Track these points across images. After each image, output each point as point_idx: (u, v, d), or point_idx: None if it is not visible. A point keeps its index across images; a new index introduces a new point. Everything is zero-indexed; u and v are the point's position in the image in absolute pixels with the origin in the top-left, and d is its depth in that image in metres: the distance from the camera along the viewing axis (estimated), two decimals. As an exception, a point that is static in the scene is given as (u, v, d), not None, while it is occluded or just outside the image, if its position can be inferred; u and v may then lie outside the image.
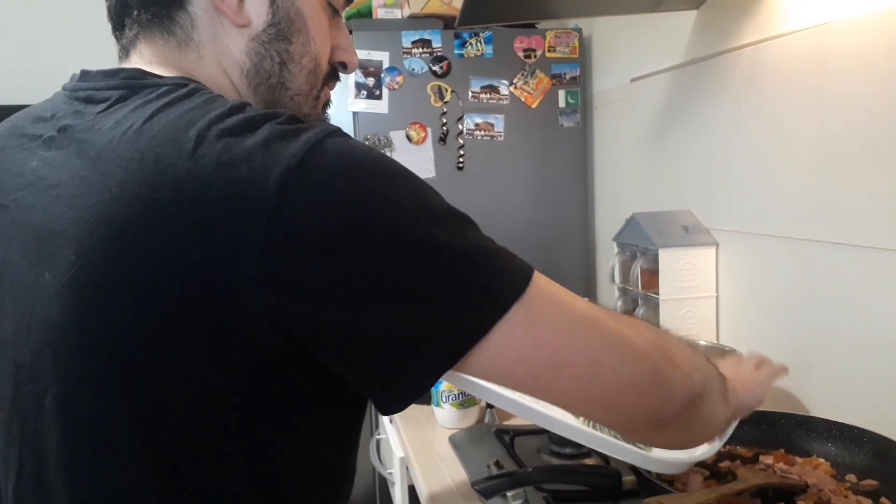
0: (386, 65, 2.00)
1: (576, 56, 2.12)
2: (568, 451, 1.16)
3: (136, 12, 0.71)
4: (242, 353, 0.57)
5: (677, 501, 0.88)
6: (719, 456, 1.05)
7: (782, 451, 1.07)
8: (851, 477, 0.99)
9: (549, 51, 2.10)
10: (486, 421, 1.36)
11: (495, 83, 2.07)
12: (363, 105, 2.01)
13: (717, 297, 1.53)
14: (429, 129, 2.04)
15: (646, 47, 1.83)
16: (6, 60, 2.78)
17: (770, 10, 1.32)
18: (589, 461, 1.13)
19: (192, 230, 0.54)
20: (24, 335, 0.61)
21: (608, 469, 1.05)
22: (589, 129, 2.20)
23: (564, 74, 2.12)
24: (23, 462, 0.63)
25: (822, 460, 1.04)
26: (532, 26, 2.12)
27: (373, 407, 0.63)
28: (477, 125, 2.07)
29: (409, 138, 2.04)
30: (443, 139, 2.05)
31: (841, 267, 1.18)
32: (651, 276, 1.54)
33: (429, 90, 2.04)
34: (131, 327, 0.56)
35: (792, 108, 1.27)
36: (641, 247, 1.56)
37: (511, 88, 2.08)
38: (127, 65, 0.71)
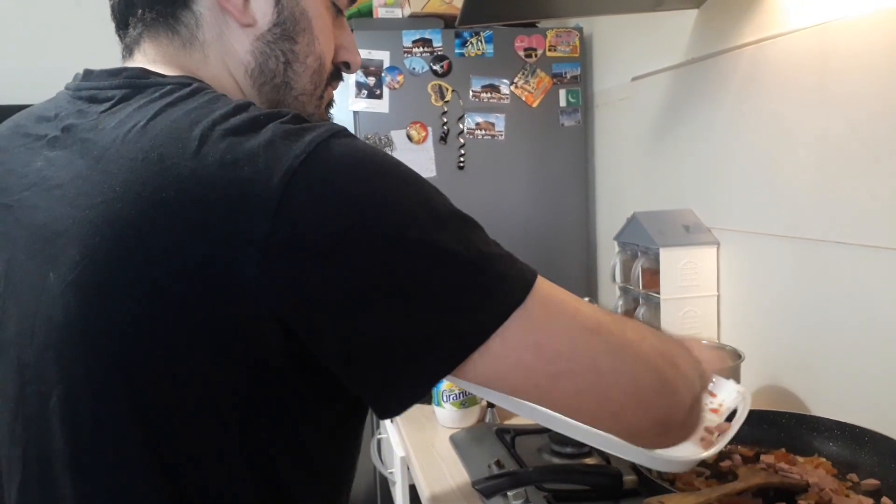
0: (386, 64, 2.00)
1: (577, 55, 2.12)
2: (569, 450, 1.16)
3: (140, 11, 0.70)
4: (243, 353, 0.57)
5: (678, 501, 0.88)
6: (720, 455, 1.05)
7: (783, 450, 1.07)
8: (853, 476, 0.99)
9: (549, 50, 2.10)
10: (486, 420, 1.36)
11: (496, 82, 2.07)
12: (364, 104, 2.01)
13: (719, 297, 1.53)
14: (429, 129, 2.04)
15: (647, 46, 1.83)
16: (6, 60, 2.78)
17: (771, 10, 1.32)
18: (590, 461, 1.13)
19: (194, 230, 0.54)
20: (28, 335, 0.61)
21: (609, 469, 1.05)
22: (590, 129, 2.20)
23: (565, 73, 2.12)
24: (27, 462, 0.63)
25: (824, 459, 1.04)
26: (533, 25, 2.11)
27: (373, 407, 0.62)
28: (478, 124, 2.07)
29: (409, 138, 2.04)
30: (443, 138, 2.05)
31: (842, 266, 1.18)
32: (652, 276, 1.54)
33: (429, 89, 2.04)
34: (133, 327, 0.56)
35: (793, 107, 1.27)
36: (642, 246, 1.56)
37: (512, 88, 2.08)
38: (131, 64, 0.71)
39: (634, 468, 0.98)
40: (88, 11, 2.05)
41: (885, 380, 1.11)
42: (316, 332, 0.56)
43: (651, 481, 0.93)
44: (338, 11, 0.78)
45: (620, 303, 1.70)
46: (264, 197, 0.53)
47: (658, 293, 1.51)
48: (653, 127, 1.81)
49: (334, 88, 0.81)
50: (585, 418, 0.63)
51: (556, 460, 1.15)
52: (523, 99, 2.09)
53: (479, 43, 2.04)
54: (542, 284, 0.60)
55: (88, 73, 0.70)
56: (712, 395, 1.02)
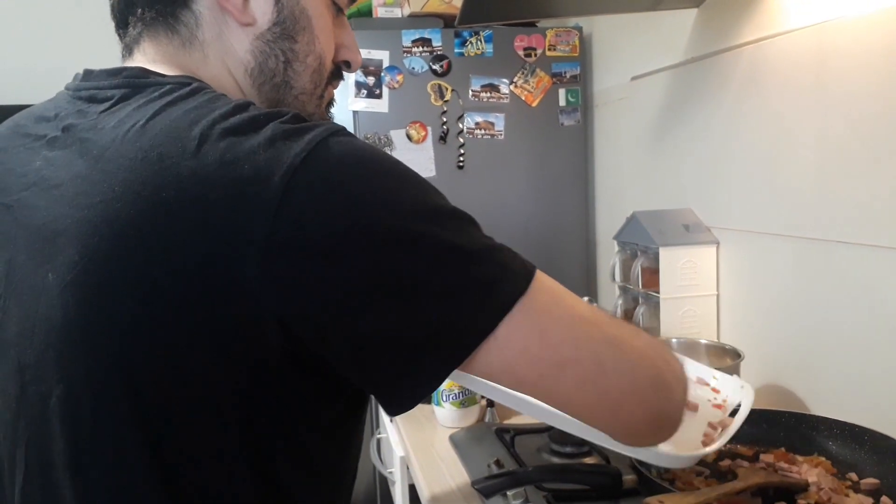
0: (386, 64, 2.00)
1: (576, 55, 2.12)
2: (568, 449, 1.16)
3: (140, 10, 0.71)
4: (243, 352, 0.57)
5: (678, 500, 0.88)
6: (720, 454, 1.05)
7: (783, 449, 1.07)
8: (852, 475, 0.99)
9: (549, 49, 2.10)
10: (486, 420, 1.36)
11: (495, 82, 2.07)
12: (363, 104, 2.01)
13: (718, 296, 1.53)
14: (429, 128, 2.04)
15: (646, 46, 1.83)
16: (6, 60, 2.78)
17: (770, 9, 1.32)
18: (589, 460, 1.13)
19: (194, 229, 0.54)
20: (28, 336, 0.61)
21: (609, 468, 1.05)
22: (589, 128, 2.20)
23: (565, 73, 2.12)
24: (29, 463, 0.63)
25: (823, 459, 1.04)
26: (532, 25, 2.12)
27: (373, 406, 0.63)
28: (477, 124, 2.07)
29: (409, 137, 2.04)
30: (443, 138, 2.05)
31: (842, 265, 1.18)
32: (652, 275, 1.54)
33: (429, 89, 2.04)
34: (132, 327, 0.56)
35: (792, 106, 1.27)
36: (642, 245, 1.57)
37: (511, 87, 2.08)
38: (130, 63, 0.71)
39: (634, 468, 0.98)
40: (88, 11, 2.05)
41: (885, 379, 1.11)
42: (318, 333, 0.56)
43: (650, 480, 0.93)
44: (338, 10, 0.78)
45: (620, 302, 1.70)
46: (265, 196, 0.53)
47: (657, 292, 1.51)
48: (652, 126, 1.81)
49: (335, 87, 0.81)
50: (585, 413, 0.63)
51: (556, 460, 1.15)
52: (523, 98, 2.09)
53: (479, 42, 2.04)
54: (542, 277, 0.61)
55: (88, 73, 0.70)
56: (715, 391, 1.02)
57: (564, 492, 1.01)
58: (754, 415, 1.11)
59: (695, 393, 0.96)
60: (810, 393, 1.28)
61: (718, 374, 1.06)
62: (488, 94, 2.07)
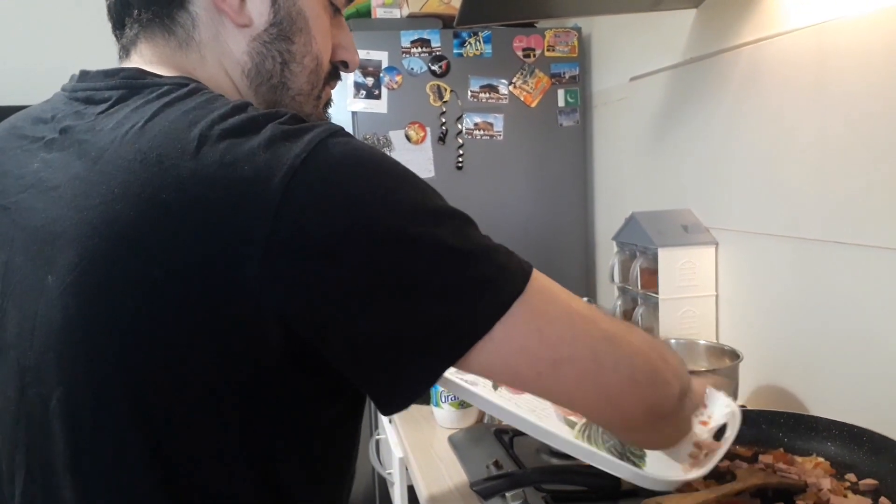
0: (385, 64, 2.00)
1: (575, 55, 2.12)
2: (567, 450, 1.16)
3: (136, 12, 0.70)
4: (244, 352, 0.57)
5: (676, 501, 0.88)
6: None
7: (781, 450, 1.07)
8: (851, 476, 0.99)
9: (548, 50, 2.10)
10: (485, 421, 1.36)
11: (494, 82, 2.07)
12: (362, 105, 2.01)
13: (717, 297, 1.53)
14: (428, 129, 2.04)
15: (645, 46, 1.83)
16: (6, 60, 2.78)
17: (769, 9, 1.32)
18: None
19: (194, 230, 0.54)
20: (28, 338, 0.61)
21: (608, 469, 1.05)
22: (588, 129, 2.20)
23: (564, 73, 2.12)
24: (29, 465, 0.63)
25: (822, 459, 1.03)
26: (531, 25, 2.12)
27: (372, 407, 0.63)
28: (476, 125, 2.07)
29: (408, 138, 2.03)
30: (442, 139, 2.05)
31: (841, 266, 1.18)
32: (650, 276, 1.54)
33: (428, 90, 2.04)
34: (132, 328, 0.57)
35: (792, 106, 1.27)
36: (641, 246, 1.56)
37: (510, 88, 2.08)
38: (127, 64, 0.71)
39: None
40: (88, 11, 2.04)
41: (884, 380, 1.11)
42: (318, 332, 0.57)
43: (649, 481, 0.93)
44: (335, 10, 0.78)
45: (619, 303, 1.70)
46: (265, 197, 0.53)
47: (656, 293, 1.50)
48: (651, 127, 1.81)
49: (332, 88, 0.81)
50: (584, 407, 0.64)
51: (555, 461, 1.15)
52: (522, 99, 2.09)
53: (478, 43, 2.04)
54: (539, 276, 0.62)
55: (84, 74, 0.70)
56: (703, 405, 1.00)
57: (563, 493, 1.01)
58: (753, 415, 1.11)
59: None
60: (809, 393, 1.28)
61: (709, 388, 1.04)
62: (487, 95, 2.06)
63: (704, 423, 0.95)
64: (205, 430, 0.59)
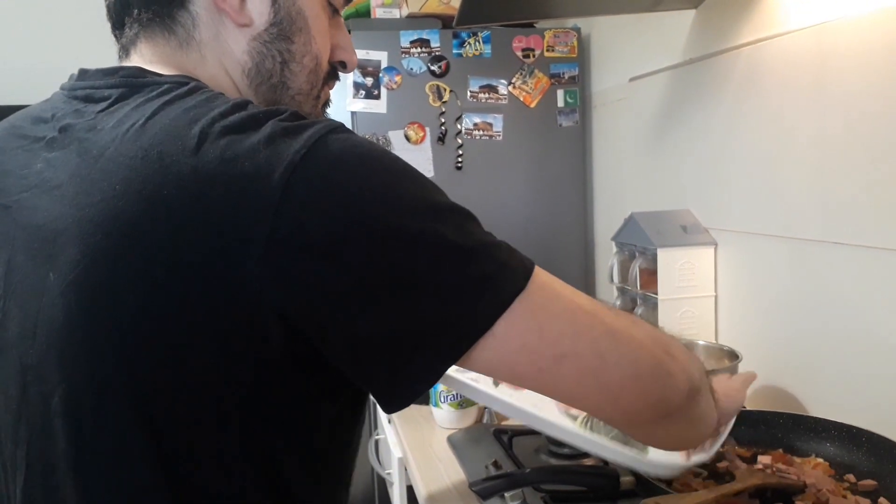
0: (384, 64, 2.00)
1: (574, 55, 2.12)
2: (566, 451, 1.15)
3: (136, 11, 0.70)
4: (245, 350, 0.57)
5: (675, 502, 0.88)
6: (717, 456, 1.05)
7: (780, 450, 1.07)
8: (850, 477, 0.99)
9: (547, 50, 2.10)
10: (484, 421, 1.36)
11: (494, 83, 2.07)
12: (361, 105, 2.01)
13: (716, 297, 1.53)
14: (427, 129, 2.04)
15: (645, 47, 1.83)
16: (6, 60, 2.78)
17: (769, 10, 1.32)
18: (587, 461, 1.13)
19: (195, 227, 0.54)
20: (30, 336, 0.61)
21: (606, 469, 1.05)
22: (588, 129, 2.20)
23: (563, 74, 2.12)
24: (31, 464, 0.63)
25: (821, 460, 1.04)
26: (531, 26, 2.12)
27: (371, 407, 0.63)
28: (475, 125, 2.07)
29: (407, 138, 2.03)
30: (441, 139, 2.05)
31: (840, 266, 1.18)
32: (650, 276, 1.54)
33: (427, 90, 2.04)
34: (133, 326, 0.56)
35: (791, 107, 1.27)
36: (640, 246, 1.56)
37: (510, 88, 2.08)
38: (127, 64, 0.71)
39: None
40: (88, 11, 2.04)
41: (883, 380, 1.11)
42: (319, 329, 0.56)
43: (648, 482, 0.93)
44: (334, 11, 0.78)
45: (618, 303, 1.70)
46: (265, 194, 0.53)
47: (656, 293, 1.51)
48: (651, 127, 1.81)
49: (331, 88, 0.81)
50: (586, 403, 0.64)
51: (554, 461, 1.15)
52: (521, 99, 2.09)
53: (477, 43, 2.04)
54: (541, 273, 0.61)
55: (83, 73, 0.70)
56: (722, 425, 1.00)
57: (562, 493, 1.01)
58: (752, 416, 1.11)
59: None
60: (808, 394, 1.28)
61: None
62: (486, 95, 2.07)
63: None
64: (205, 428, 0.59)
